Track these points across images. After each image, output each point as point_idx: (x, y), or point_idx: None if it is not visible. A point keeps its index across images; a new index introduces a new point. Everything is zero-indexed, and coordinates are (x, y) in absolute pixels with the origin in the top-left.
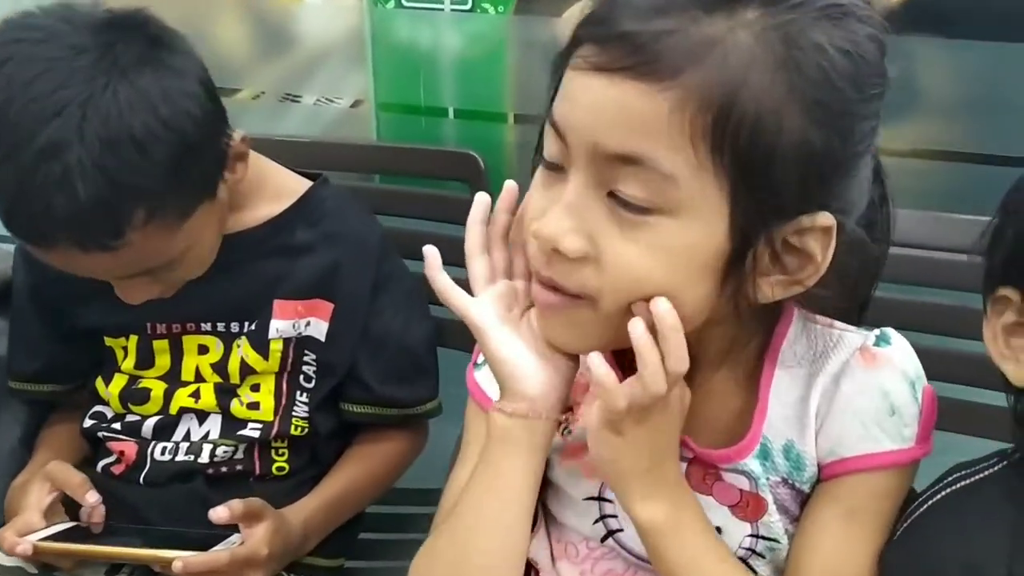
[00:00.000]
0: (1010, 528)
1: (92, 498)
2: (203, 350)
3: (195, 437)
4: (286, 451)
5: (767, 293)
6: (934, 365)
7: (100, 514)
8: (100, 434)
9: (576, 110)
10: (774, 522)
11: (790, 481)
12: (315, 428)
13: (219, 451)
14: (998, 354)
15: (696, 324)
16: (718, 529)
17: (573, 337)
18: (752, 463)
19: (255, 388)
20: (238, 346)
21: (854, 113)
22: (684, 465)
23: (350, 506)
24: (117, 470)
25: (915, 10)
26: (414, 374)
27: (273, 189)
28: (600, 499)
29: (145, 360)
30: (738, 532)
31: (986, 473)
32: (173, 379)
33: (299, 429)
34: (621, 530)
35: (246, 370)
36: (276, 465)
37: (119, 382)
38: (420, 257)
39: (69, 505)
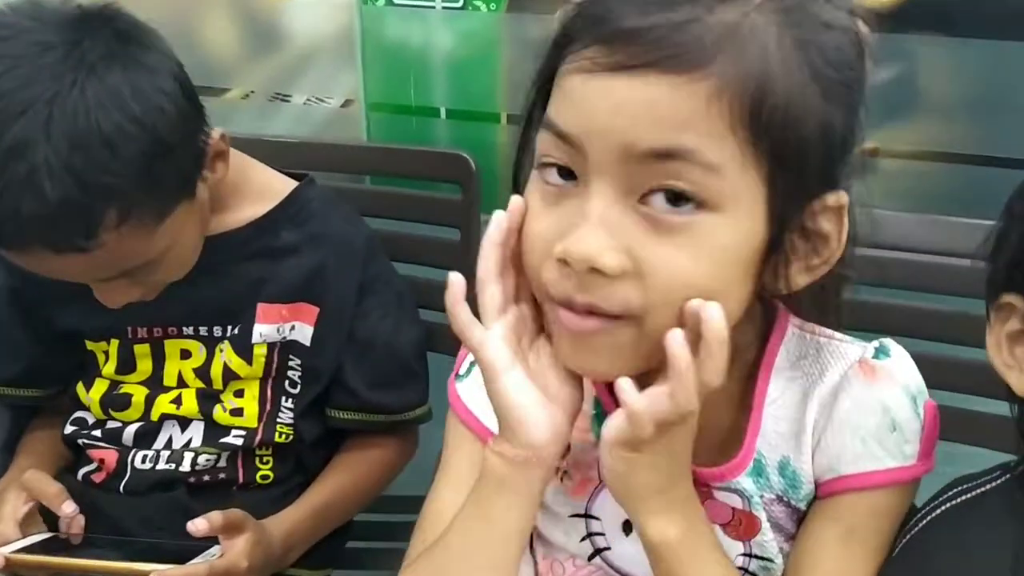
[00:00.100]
0: (1012, 543)
1: (68, 508)
2: (185, 355)
3: (177, 445)
4: (271, 459)
5: (799, 282)
6: (935, 373)
7: (79, 525)
8: (80, 441)
9: (598, 114)
10: (767, 541)
11: (785, 499)
12: (300, 435)
13: (201, 459)
14: (1002, 364)
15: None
16: None
17: (611, 362)
18: (745, 481)
19: (239, 394)
20: (221, 351)
21: (857, 88)
22: None
23: (336, 515)
24: (97, 478)
25: (915, 8)
26: (402, 379)
27: (257, 190)
28: (587, 516)
29: (126, 365)
30: (730, 551)
31: (988, 487)
32: (155, 384)
33: (284, 436)
34: (608, 548)
35: (229, 375)
36: (260, 473)
37: (100, 387)
38: (410, 259)
39: (48, 514)
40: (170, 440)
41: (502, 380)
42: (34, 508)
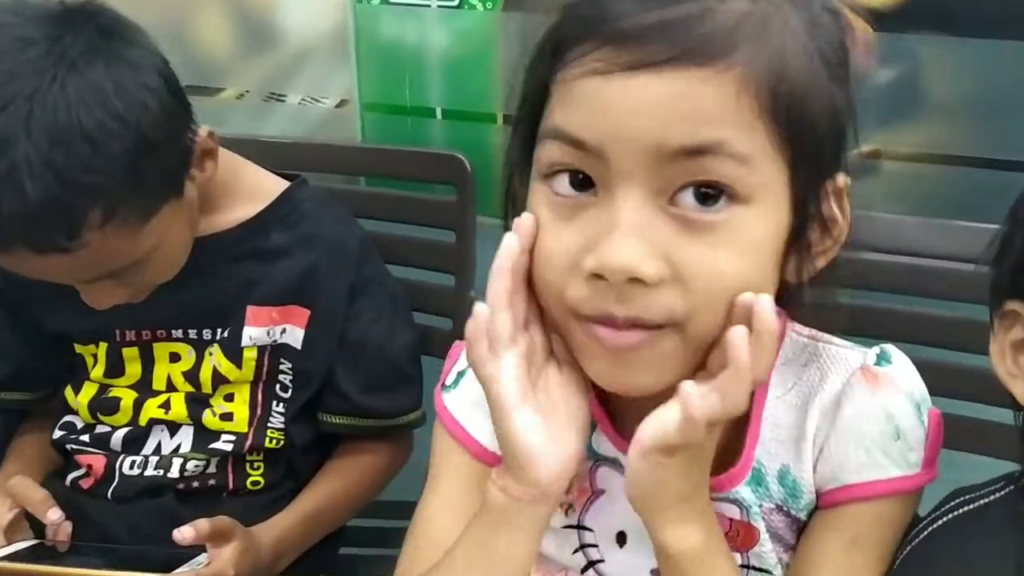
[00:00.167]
0: (1015, 555)
1: (54, 515)
2: (175, 358)
3: (166, 450)
4: (261, 464)
5: (817, 265)
6: (937, 380)
7: (65, 532)
8: (68, 446)
9: (621, 117)
10: (766, 552)
11: (785, 508)
12: (291, 440)
13: (190, 465)
14: (1006, 373)
15: None
16: None
17: (654, 375)
18: (743, 490)
19: (228, 398)
20: (210, 354)
21: (851, 69)
22: None
23: (327, 522)
24: (85, 484)
25: (918, 7)
26: (396, 383)
27: (248, 190)
28: (579, 527)
29: (115, 368)
30: None
31: (992, 498)
32: (144, 388)
33: (274, 441)
34: (602, 560)
35: (218, 379)
36: (251, 479)
37: (88, 391)
38: (405, 262)
39: (35, 521)
40: (159, 445)
41: (512, 419)
42: (20, 515)
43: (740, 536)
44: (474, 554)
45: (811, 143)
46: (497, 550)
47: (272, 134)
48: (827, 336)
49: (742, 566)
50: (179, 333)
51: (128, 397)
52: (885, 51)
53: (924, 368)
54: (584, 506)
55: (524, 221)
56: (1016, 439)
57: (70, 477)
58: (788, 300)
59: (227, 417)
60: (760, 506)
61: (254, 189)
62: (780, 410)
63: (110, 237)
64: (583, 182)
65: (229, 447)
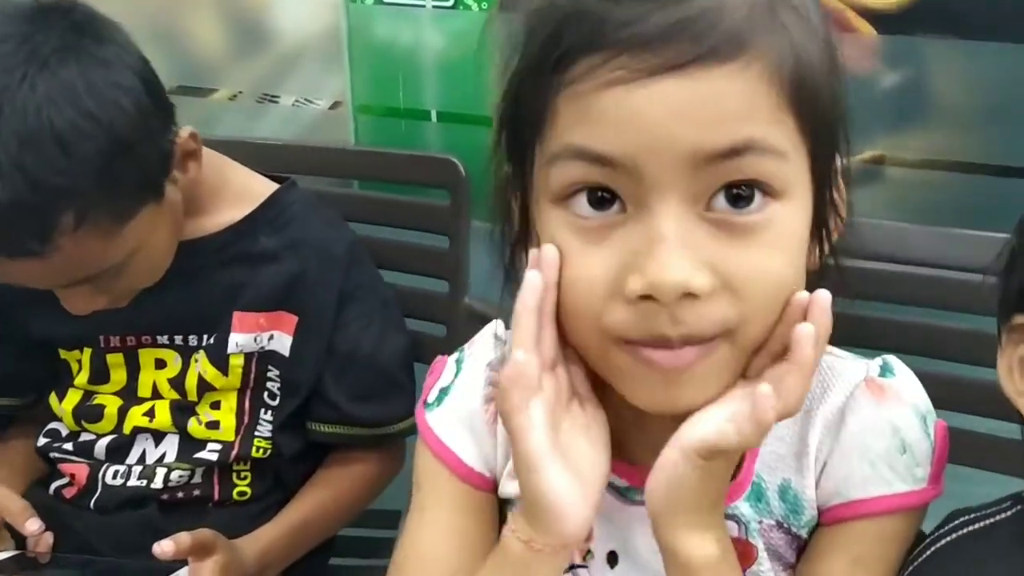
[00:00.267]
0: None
1: (33, 526)
2: (160, 364)
3: (150, 459)
4: (248, 474)
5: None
6: (945, 393)
7: (46, 543)
8: (52, 454)
9: (653, 126)
10: (764, 571)
11: (785, 525)
12: (279, 449)
13: (174, 475)
14: (1014, 391)
15: None
16: None
17: (707, 389)
18: (742, 506)
19: (215, 406)
20: (196, 361)
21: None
22: None
23: (315, 534)
24: (68, 493)
25: (924, 9)
26: (387, 390)
27: (235, 193)
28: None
29: (99, 374)
30: None
31: (998, 518)
32: (129, 395)
33: (261, 451)
34: None
35: (204, 387)
36: (238, 490)
37: (73, 398)
38: (398, 267)
39: (16, 530)
40: (143, 454)
41: (542, 474)
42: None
43: (737, 554)
44: None
45: (825, 128)
46: None
47: (265, 136)
48: (828, 347)
49: None
50: (165, 339)
51: (113, 404)
52: (889, 54)
53: (930, 380)
54: None
55: (548, 254)
56: (1022, 456)
57: (53, 486)
58: None
59: (213, 425)
60: (759, 522)
61: (242, 192)
62: (781, 422)
63: (84, 241)
64: (602, 199)
65: (214, 456)
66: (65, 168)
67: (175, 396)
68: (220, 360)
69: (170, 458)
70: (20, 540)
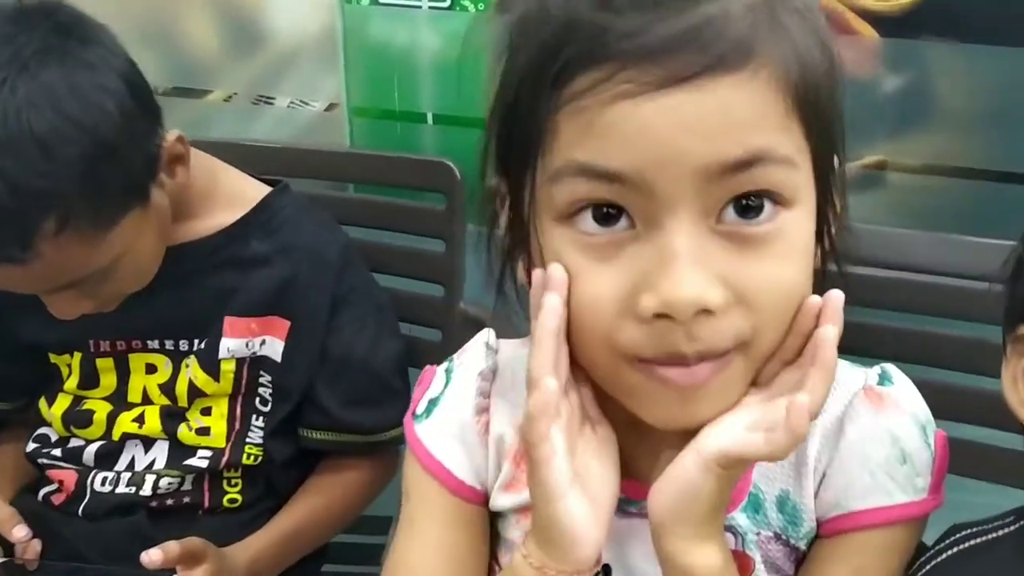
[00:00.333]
0: None
1: (20, 533)
2: (151, 369)
3: (139, 466)
4: (239, 481)
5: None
6: (945, 402)
7: (34, 550)
8: (40, 460)
9: (665, 140)
10: None
11: (784, 536)
12: (270, 456)
13: (163, 483)
14: (1018, 402)
15: None
16: None
17: (721, 404)
18: (739, 517)
19: (206, 412)
20: (187, 366)
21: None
22: None
23: (307, 542)
24: (57, 500)
25: (927, 11)
26: (380, 396)
27: (227, 196)
28: None
29: (89, 379)
30: None
31: (1000, 532)
32: (119, 401)
33: (252, 458)
34: None
35: (195, 392)
36: (228, 497)
37: (62, 403)
38: (392, 271)
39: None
40: (132, 461)
41: (561, 502)
42: None
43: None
44: None
45: (826, 130)
46: None
47: (260, 138)
48: None
49: None
50: (155, 344)
51: (102, 410)
52: (892, 57)
53: (931, 389)
54: None
55: (557, 274)
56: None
57: (42, 492)
58: None
59: (204, 432)
60: (757, 534)
61: (234, 195)
62: None
63: (66, 247)
64: (608, 215)
65: (205, 463)
66: (46, 172)
67: (165, 402)
68: (211, 365)
69: (159, 465)
70: (8, 547)
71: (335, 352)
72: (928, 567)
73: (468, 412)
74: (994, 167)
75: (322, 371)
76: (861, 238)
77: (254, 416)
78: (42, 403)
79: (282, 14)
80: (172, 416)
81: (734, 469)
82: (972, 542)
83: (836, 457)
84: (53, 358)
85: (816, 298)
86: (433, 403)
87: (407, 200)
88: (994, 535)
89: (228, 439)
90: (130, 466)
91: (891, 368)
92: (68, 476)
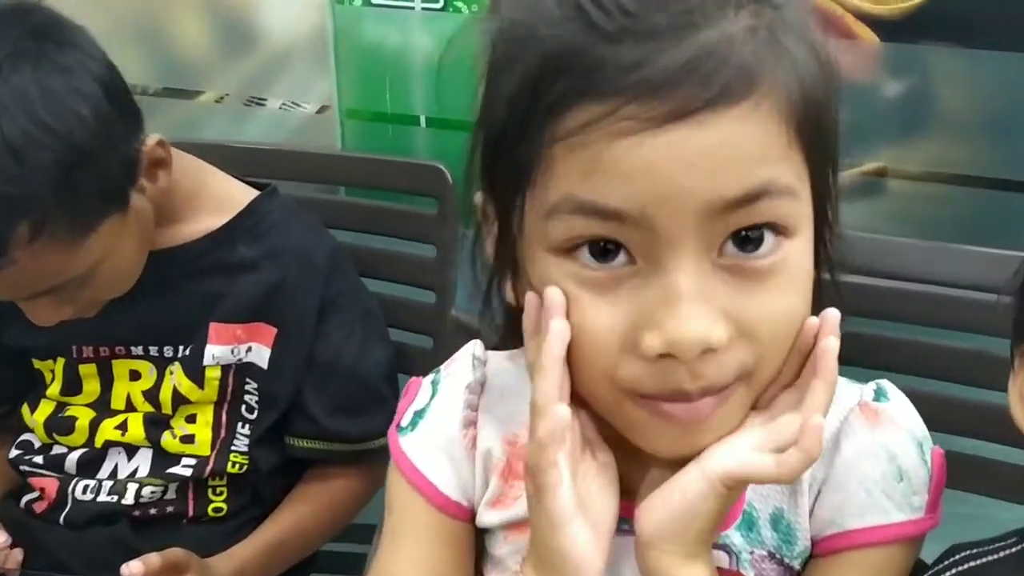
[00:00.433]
0: None
1: None
2: (135, 376)
3: (122, 474)
4: (224, 490)
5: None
6: (945, 415)
7: (15, 559)
8: (23, 467)
9: (668, 178)
10: None
11: (778, 556)
12: (256, 465)
13: (145, 491)
14: None
15: None
16: None
17: (724, 431)
18: (733, 535)
19: (190, 419)
20: (171, 373)
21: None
22: None
23: (293, 551)
24: (39, 508)
25: (928, 15)
26: (368, 404)
27: (214, 200)
28: None
29: (72, 385)
30: None
31: (1002, 554)
32: (102, 407)
33: (237, 466)
34: None
35: (179, 400)
36: (213, 506)
37: (45, 409)
38: (384, 276)
39: None
40: (115, 469)
41: (566, 529)
42: None
43: None
44: None
45: (825, 149)
46: None
47: (252, 139)
48: None
49: None
50: (139, 350)
51: (85, 417)
52: (893, 62)
53: (931, 402)
54: None
55: (555, 298)
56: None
57: (24, 500)
58: None
59: (188, 439)
60: (751, 553)
61: (221, 199)
62: None
63: (41, 254)
64: (606, 250)
65: (188, 471)
66: (18, 177)
67: (149, 409)
68: (196, 372)
69: (143, 473)
70: None
71: (323, 359)
72: None
73: (455, 425)
74: (996, 175)
75: (309, 378)
76: (860, 247)
77: (240, 424)
78: (25, 409)
79: (273, 14)
80: (156, 423)
81: (737, 490)
82: (972, 563)
83: (832, 474)
84: (37, 364)
85: (814, 319)
86: (419, 415)
87: (398, 204)
88: (995, 556)
89: (213, 447)
90: (112, 474)
91: (887, 384)
92: (50, 484)
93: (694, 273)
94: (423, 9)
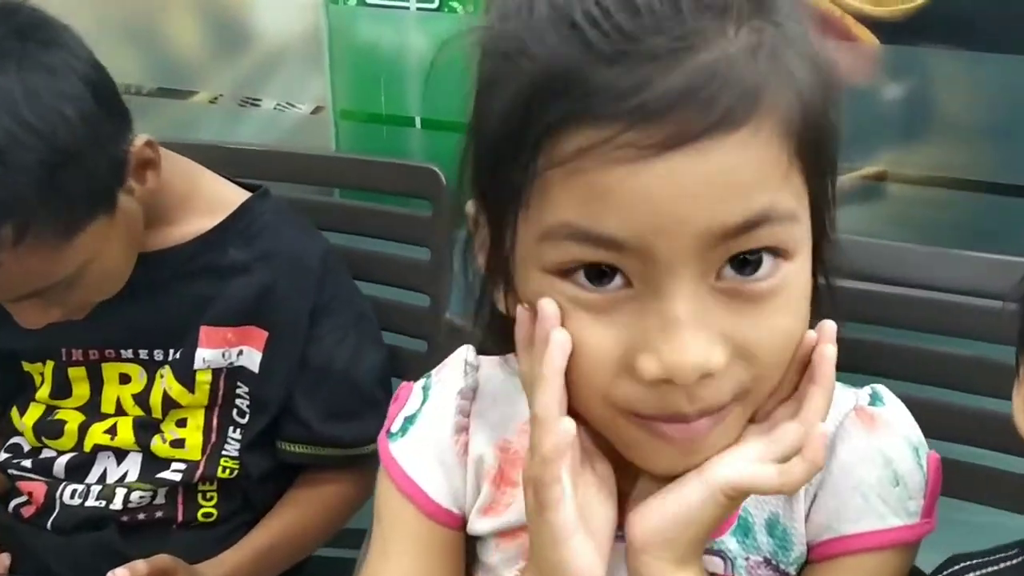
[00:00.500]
0: None
1: None
2: (125, 379)
3: (111, 479)
4: (214, 495)
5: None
6: (944, 422)
7: (3, 565)
8: (11, 471)
9: (667, 207)
10: None
11: (773, 562)
12: (246, 470)
13: (134, 496)
14: None
15: None
16: None
17: (719, 449)
18: (729, 541)
19: (181, 423)
20: (161, 376)
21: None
22: None
23: (283, 558)
24: (27, 512)
25: (929, 17)
26: (361, 409)
27: (205, 201)
28: None
29: (61, 389)
30: None
31: (1002, 565)
32: (92, 411)
33: (228, 471)
34: None
35: (169, 404)
36: (203, 511)
37: (34, 412)
38: (378, 279)
39: None
40: (104, 473)
41: (569, 544)
42: None
43: None
44: None
45: (824, 162)
46: None
47: (246, 140)
48: None
49: None
50: (129, 353)
51: (74, 420)
52: (893, 65)
53: (932, 410)
54: None
55: (550, 310)
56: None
57: (12, 504)
58: None
59: (178, 444)
60: (746, 559)
61: (213, 200)
62: None
63: (26, 256)
64: (602, 273)
65: (177, 477)
66: (1, 178)
67: (139, 413)
68: (186, 376)
69: (132, 477)
70: None
71: (315, 363)
72: None
73: (446, 432)
74: (998, 179)
75: (301, 382)
76: (859, 251)
77: (231, 428)
78: (14, 412)
79: (267, 14)
80: (146, 427)
81: (738, 500)
82: (972, 574)
83: (828, 479)
84: (26, 366)
85: (812, 333)
86: (409, 421)
87: (392, 206)
88: (995, 568)
89: (203, 452)
90: (101, 478)
91: (882, 388)
92: (38, 488)
93: (691, 298)
94: (418, 9)
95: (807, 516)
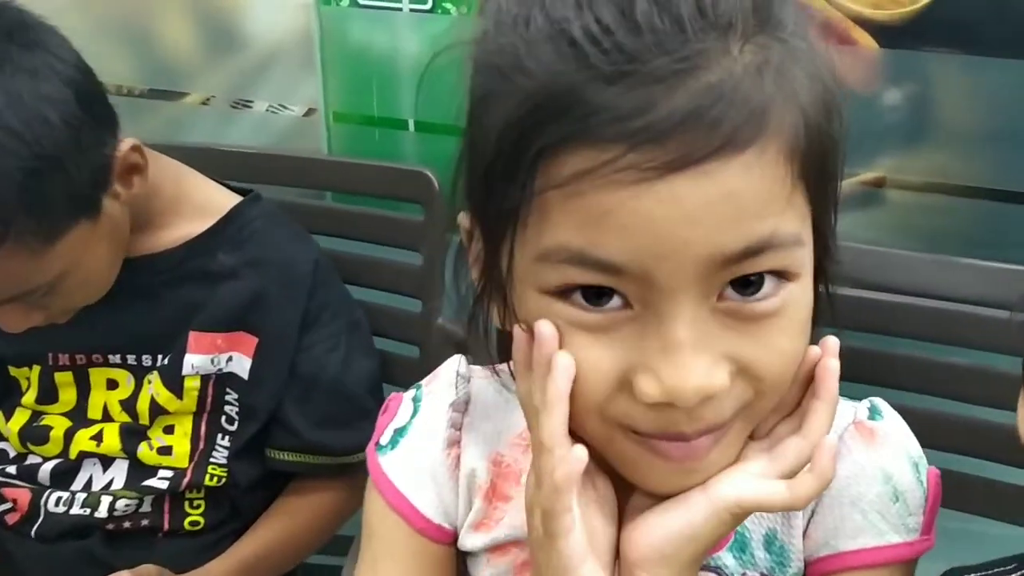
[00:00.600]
0: None
1: None
2: (112, 385)
3: (97, 486)
4: (202, 503)
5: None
6: (945, 433)
7: None
8: None
9: (668, 232)
10: None
11: None
12: (234, 478)
13: (119, 504)
14: None
15: None
16: None
17: (719, 467)
18: (726, 557)
19: (168, 430)
20: (149, 382)
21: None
22: None
23: (271, 568)
24: (10, 519)
25: (930, 21)
26: (352, 417)
27: (195, 206)
28: None
29: (48, 394)
30: None
31: None
32: (79, 417)
33: (215, 479)
34: None
35: (156, 410)
36: (190, 519)
37: (20, 418)
38: (369, 284)
39: None
40: (90, 481)
41: (579, 572)
42: None
43: None
44: None
45: (826, 179)
46: None
47: (237, 142)
48: None
49: None
50: (116, 358)
51: (60, 426)
52: (893, 69)
53: (932, 420)
54: None
55: (547, 332)
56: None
57: None
58: None
59: (165, 451)
60: (743, 575)
61: (202, 205)
62: None
63: (6, 260)
64: (600, 294)
65: (164, 484)
66: None
67: (126, 419)
68: (174, 382)
69: (118, 485)
70: None
71: (305, 371)
72: None
73: (437, 445)
74: (999, 185)
75: (291, 390)
76: (858, 258)
77: (219, 435)
78: None
79: (259, 16)
80: (132, 434)
81: (742, 517)
82: None
83: (826, 494)
84: (12, 371)
85: (815, 348)
86: (399, 433)
87: (384, 210)
88: None
89: (191, 459)
90: (87, 486)
91: (880, 402)
92: (22, 495)
93: (692, 321)
94: (411, 10)
95: (805, 532)
